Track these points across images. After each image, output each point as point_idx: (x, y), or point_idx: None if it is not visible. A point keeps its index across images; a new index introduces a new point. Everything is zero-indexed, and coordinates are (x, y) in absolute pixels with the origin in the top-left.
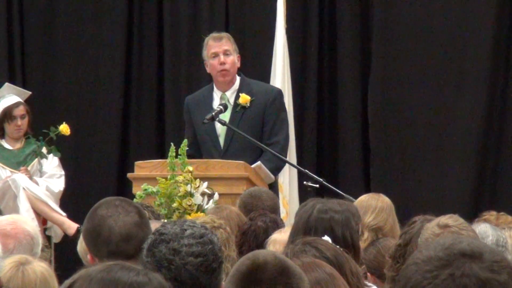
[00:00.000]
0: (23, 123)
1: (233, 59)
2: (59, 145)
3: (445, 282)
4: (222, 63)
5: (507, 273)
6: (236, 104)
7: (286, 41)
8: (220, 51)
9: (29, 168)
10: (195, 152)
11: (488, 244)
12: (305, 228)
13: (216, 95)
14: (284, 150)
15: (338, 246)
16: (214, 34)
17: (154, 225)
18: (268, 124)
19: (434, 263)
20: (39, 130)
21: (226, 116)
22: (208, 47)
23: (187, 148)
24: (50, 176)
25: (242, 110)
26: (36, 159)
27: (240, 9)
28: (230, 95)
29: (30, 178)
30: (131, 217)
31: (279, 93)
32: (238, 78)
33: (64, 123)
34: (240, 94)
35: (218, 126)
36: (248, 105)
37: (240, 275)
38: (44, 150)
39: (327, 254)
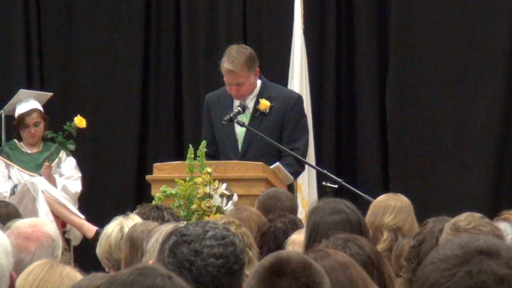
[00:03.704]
0: (37, 130)
1: (246, 86)
2: (78, 144)
3: (463, 280)
4: (234, 94)
5: None
6: (255, 109)
7: (304, 41)
8: (231, 82)
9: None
10: (214, 152)
11: (507, 242)
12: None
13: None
14: (303, 156)
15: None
16: (227, 65)
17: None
18: (287, 130)
19: (451, 261)
20: (58, 131)
21: (244, 121)
22: (222, 69)
23: (205, 149)
24: (67, 177)
25: (261, 116)
26: (57, 159)
27: (258, 11)
28: (250, 100)
29: (49, 176)
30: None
31: (299, 99)
32: (259, 82)
33: (78, 115)
34: (260, 100)
35: (237, 128)
36: (268, 111)
37: (263, 269)
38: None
39: (369, 253)
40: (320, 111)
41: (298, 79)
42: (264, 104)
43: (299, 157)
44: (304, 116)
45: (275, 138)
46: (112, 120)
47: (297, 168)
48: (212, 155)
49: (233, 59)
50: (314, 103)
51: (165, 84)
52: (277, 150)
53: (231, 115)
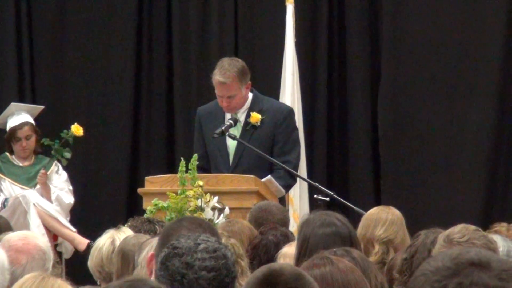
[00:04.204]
0: (28, 143)
1: (237, 99)
2: (70, 157)
3: None
4: (225, 106)
5: None
6: (246, 123)
7: (296, 54)
8: (223, 95)
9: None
10: (206, 165)
11: (499, 254)
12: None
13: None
14: (295, 169)
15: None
16: (218, 77)
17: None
18: (279, 144)
19: (442, 273)
20: (46, 147)
21: (236, 134)
22: (214, 81)
23: (197, 163)
24: (59, 189)
25: (253, 129)
26: (49, 172)
27: (249, 24)
28: (241, 113)
29: (45, 184)
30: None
31: (290, 112)
32: (250, 95)
33: (75, 123)
34: (251, 113)
35: (228, 141)
36: (259, 124)
37: (256, 280)
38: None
39: (359, 261)
40: (311, 124)
41: (290, 92)
42: (255, 117)
43: (291, 170)
44: (295, 129)
45: (266, 151)
46: (104, 133)
47: (288, 181)
48: (203, 168)
49: (224, 71)
50: (305, 116)
51: (156, 97)
52: (269, 163)
53: (223, 128)
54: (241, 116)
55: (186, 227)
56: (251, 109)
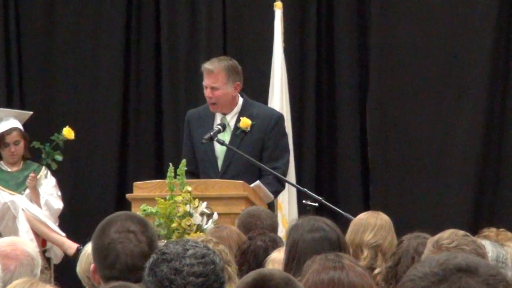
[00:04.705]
0: (17, 149)
1: (221, 93)
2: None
3: None
4: (209, 97)
5: (503, 286)
6: (236, 128)
7: (284, 59)
8: (207, 84)
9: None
10: (194, 169)
11: (488, 260)
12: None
13: (218, 116)
14: (284, 175)
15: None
16: (207, 65)
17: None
18: (268, 150)
19: (430, 279)
20: (37, 150)
21: (225, 139)
22: (203, 71)
23: (185, 168)
24: (48, 194)
25: (242, 134)
26: (41, 172)
27: (238, 30)
28: (231, 118)
29: (34, 188)
30: (140, 248)
31: (280, 118)
32: (240, 100)
33: (67, 126)
34: (241, 118)
35: (217, 147)
36: (249, 129)
37: (245, 285)
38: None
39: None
40: (300, 129)
41: (278, 97)
42: (245, 122)
43: (280, 175)
44: (285, 135)
45: (255, 156)
46: (92, 138)
47: (277, 187)
48: (192, 173)
49: (214, 61)
50: (294, 121)
51: (145, 101)
52: (258, 169)
53: (211, 134)
54: (231, 121)
55: (118, 220)
56: (241, 114)
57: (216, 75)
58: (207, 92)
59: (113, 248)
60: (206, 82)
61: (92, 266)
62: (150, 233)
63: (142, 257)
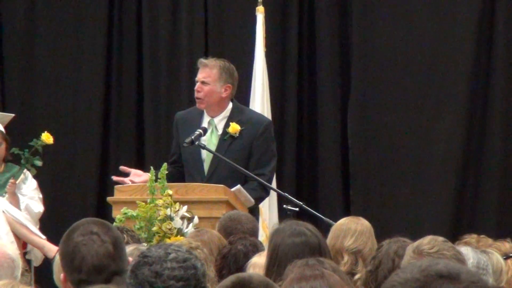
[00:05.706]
0: None
1: (209, 89)
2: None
3: None
4: (197, 91)
5: None
6: (225, 132)
7: (266, 64)
8: (199, 78)
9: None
10: (181, 168)
11: (469, 267)
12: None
13: (205, 118)
14: (269, 182)
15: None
16: (203, 59)
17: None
18: (256, 156)
19: (411, 285)
20: (16, 156)
21: (213, 143)
22: (199, 66)
23: (168, 170)
24: (29, 198)
25: (230, 139)
26: (19, 180)
27: (219, 32)
28: (218, 121)
29: (13, 194)
30: (105, 247)
31: (269, 124)
32: (230, 105)
33: (45, 131)
34: (230, 123)
35: (203, 151)
36: (237, 135)
37: None
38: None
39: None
40: (281, 134)
41: (260, 102)
42: (235, 128)
43: (265, 182)
44: (273, 142)
45: (243, 162)
46: (73, 141)
47: (261, 193)
48: (179, 171)
49: (212, 58)
50: (275, 125)
51: (126, 105)
52: (244, 174)
53: (192, 137)
54: (219, 125)
55: (81, 225)
56: (230, 119)
57: (209, 70)
58: (196, 86)
59: (78, 251)
60: (198, 76)
61: (62, 275)
62: (113, 234)
63: (107, 256)
